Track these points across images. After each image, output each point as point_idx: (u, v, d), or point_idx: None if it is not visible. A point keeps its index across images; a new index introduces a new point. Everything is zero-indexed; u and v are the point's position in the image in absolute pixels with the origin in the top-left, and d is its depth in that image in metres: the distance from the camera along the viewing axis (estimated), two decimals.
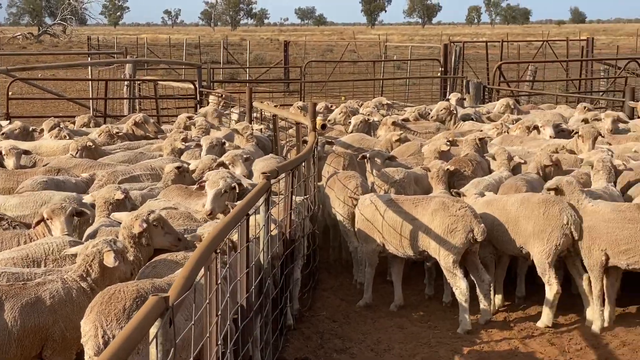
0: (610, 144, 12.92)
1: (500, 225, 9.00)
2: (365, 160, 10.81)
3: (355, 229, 9.67)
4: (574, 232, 8.58)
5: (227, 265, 5.93)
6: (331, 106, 17.77)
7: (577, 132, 12.74)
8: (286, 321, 8.48)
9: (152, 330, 4.03)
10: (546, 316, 8.86)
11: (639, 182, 10.19)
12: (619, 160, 10.34)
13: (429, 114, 15.70)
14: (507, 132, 14.11)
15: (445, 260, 8.75)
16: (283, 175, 8.42)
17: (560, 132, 13.88)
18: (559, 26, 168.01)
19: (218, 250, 5.35)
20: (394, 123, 14.01)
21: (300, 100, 21.55)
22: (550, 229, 8.64)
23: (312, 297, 9.68)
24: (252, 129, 13.47)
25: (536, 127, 13.88)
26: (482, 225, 8.68)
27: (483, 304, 8.96)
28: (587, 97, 24.82)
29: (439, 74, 27.29)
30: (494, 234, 9.05)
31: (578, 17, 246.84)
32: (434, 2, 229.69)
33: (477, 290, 8.95)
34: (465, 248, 8.73)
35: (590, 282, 8.77)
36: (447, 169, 10.26)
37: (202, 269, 5.09)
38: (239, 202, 6.94)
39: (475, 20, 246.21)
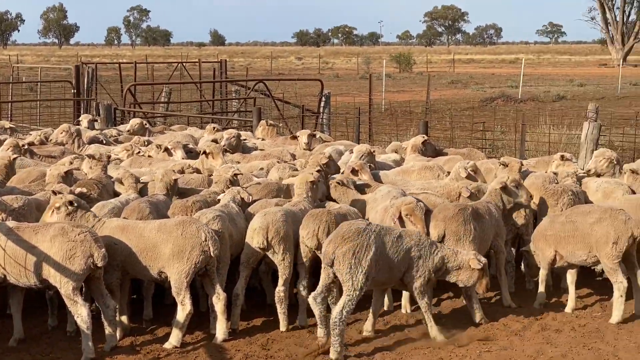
0: (239, 162, 13.40)
1: (137, 253, 8.87)
2: None
3: None
4: (212, 248, 8.71)
5: None
6: None
7: (204, 151, 13.07)
8: None
9: None
10: (175, 337, 8.87)
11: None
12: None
13: None
14: (138, 154, 14.07)
15: (65, 287, 8.42)
16: None
17: (189, 152, 14.13)
18: (200, 48, 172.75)
19: None
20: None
21: None
22: (189, 247, 8.71)
23: None
24: None
25: (167, 149, 14.01)
26: (103, 250, 8.48)
27: (108, 330, 8.74)
28: (222, 117, 25.46)
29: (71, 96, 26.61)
30: (130, 261, 8.91)
31: (218, 39, 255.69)
32: (71, 23, 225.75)
33: (102, 317, 8.72)
34: (85, 274, 8.46)
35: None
36: (77, 191, 9.98)
37: None
38: None
39: (116, 42, 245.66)
